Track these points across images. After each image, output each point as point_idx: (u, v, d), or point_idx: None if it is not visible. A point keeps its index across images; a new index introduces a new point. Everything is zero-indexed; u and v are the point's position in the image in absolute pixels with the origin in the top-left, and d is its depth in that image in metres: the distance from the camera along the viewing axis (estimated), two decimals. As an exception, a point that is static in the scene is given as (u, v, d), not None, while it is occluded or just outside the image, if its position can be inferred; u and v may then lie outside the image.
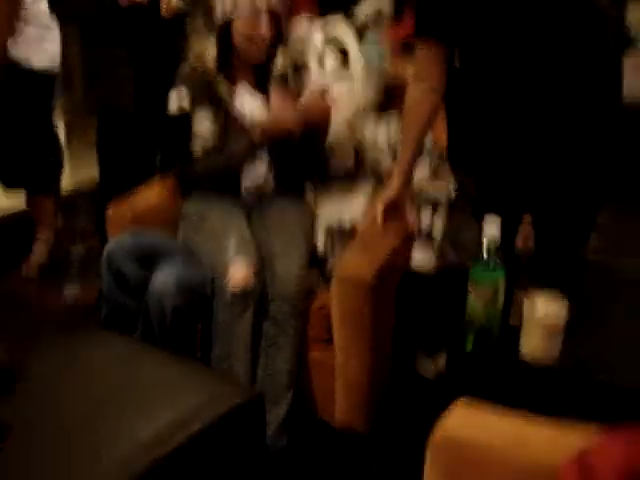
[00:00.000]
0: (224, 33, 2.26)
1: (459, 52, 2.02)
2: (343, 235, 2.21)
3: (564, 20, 1.86)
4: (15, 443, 1.36)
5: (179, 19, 2.79)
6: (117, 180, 2.80)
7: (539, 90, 1.91)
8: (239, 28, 2.23)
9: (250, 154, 2.26)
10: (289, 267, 2.05)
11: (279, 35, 2.32)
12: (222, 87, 2.29)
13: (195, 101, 2.26)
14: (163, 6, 2.60)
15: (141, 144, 2.81)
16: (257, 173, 2.30)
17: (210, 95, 2.27)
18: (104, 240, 2.34)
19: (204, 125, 2.25)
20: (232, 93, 2.29)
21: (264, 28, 2.23)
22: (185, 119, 2.26)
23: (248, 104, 2.29)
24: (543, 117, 1.93)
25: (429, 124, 2.07)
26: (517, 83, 1.93)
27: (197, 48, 2.50)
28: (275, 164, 2.31)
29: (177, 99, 2.25)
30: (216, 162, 2.27)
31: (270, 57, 2.31)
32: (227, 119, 2.27)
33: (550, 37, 1.85)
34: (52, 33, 3.17)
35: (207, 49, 2.39)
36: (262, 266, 2.04)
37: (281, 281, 2.02)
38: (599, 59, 1.88)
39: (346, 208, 2.25)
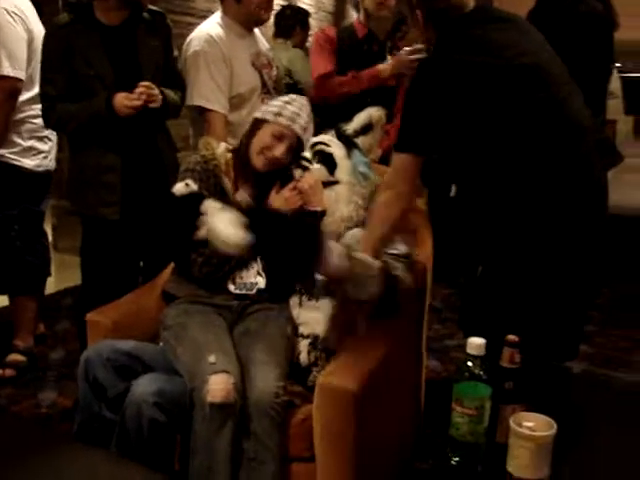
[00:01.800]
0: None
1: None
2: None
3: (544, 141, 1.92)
4: None
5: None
6: (99, 286, 2.75)
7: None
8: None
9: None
10: (267, 377, 2.00)
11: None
12: (228, 186, 2.33)
13: (201, 187, 2.26)
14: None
15: (125, 252, 2.78)
16: (247, 278, 2.30)
17: (215, 188, 2.29)
18: (84, 346, 2.29)
19: (212, 204, 2.22)
20: (234, 193, 2.34)
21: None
22: (192, 200, 2.20)
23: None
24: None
25: (392, 228, 2.13)
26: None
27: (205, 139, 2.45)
28: (267, 270, 2.31)
29: (184, 187, 2.21)
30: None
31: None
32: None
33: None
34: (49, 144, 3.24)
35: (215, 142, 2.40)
36: (242, 379, 1.98)
37: (259, 392, 1.96)
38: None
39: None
